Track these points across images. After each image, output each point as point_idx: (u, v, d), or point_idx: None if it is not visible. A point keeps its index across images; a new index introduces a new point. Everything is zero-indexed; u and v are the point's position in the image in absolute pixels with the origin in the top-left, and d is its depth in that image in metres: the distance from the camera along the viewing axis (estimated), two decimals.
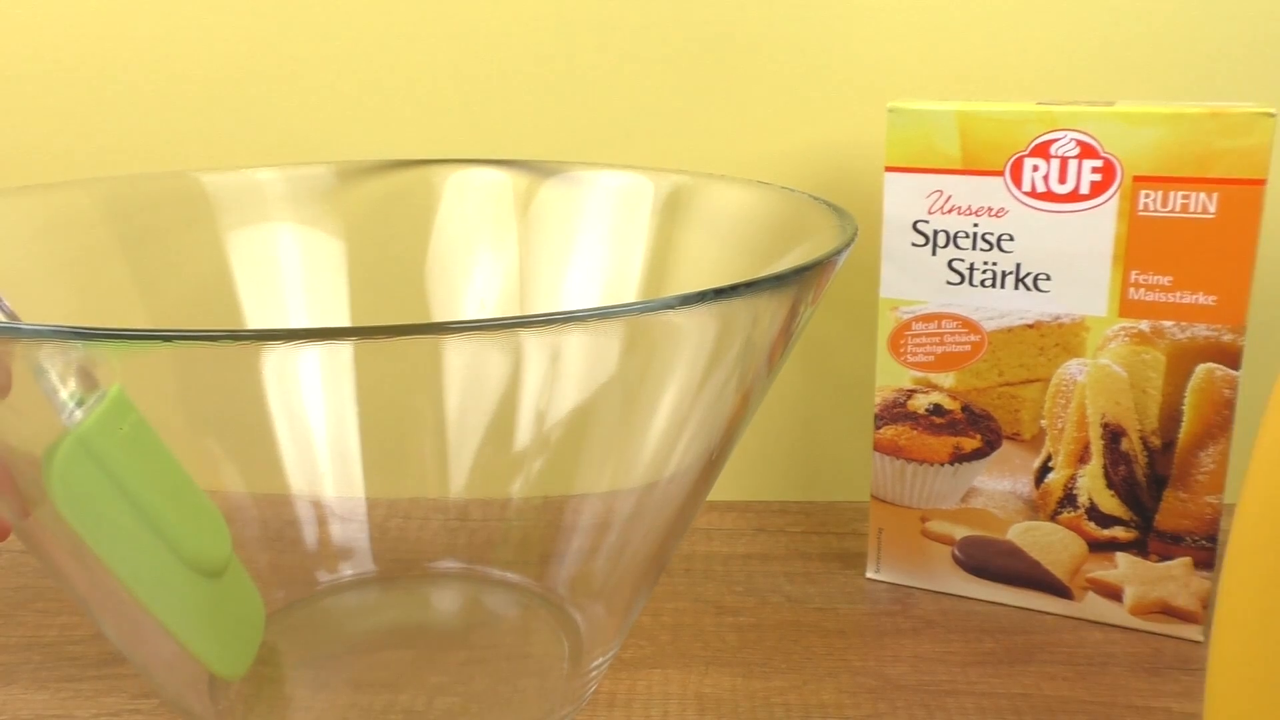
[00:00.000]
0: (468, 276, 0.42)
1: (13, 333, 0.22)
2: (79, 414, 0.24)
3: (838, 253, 0.28)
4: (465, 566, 0.38)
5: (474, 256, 0.42)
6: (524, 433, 0.32)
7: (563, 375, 0.26)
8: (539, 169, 0.42)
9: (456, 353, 0.24)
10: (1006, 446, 0.39)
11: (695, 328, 0.25)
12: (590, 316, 0.22)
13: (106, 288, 0.38)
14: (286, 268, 0.41)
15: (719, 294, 0.24)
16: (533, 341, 0.24)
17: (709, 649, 0.38)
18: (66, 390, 0.24)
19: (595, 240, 0.41)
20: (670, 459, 0.29)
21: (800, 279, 0.26)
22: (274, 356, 0.22)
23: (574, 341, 0.24)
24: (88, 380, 0.24)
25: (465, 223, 0.42)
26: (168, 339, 0.21)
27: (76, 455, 0.24)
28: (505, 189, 0.42)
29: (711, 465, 0.31)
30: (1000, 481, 0.40)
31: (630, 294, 0.40)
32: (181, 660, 0.30)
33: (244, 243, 0.40)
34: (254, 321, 0.40)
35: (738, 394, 0.29)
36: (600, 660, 0.33)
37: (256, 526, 0.34)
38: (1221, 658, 0.22)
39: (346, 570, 0.38)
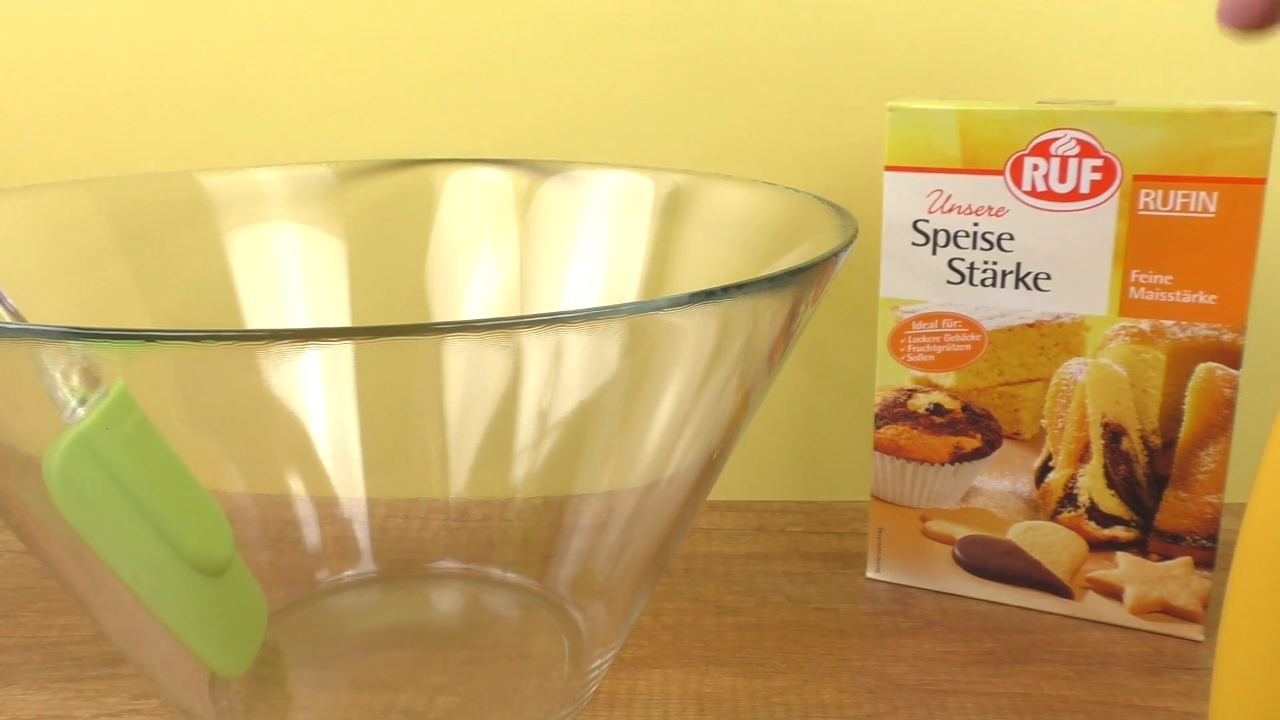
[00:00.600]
0: (468, 276, 0.42)
1: (16, 333, 0.22)
2: (81, 412, 0.24)
3: (837, 253, 0.28)
4: (465, 567, 0.38)
5: (474, 256, 0.42)
6: (524, 433, 0.31)
7: (563, 375, 0.26)
8: (539, 169, 0.42)
9: (456, 353, 0.24)
10: (1007, 446, 0.39)
11: (695, 328, 0.25)
12: (590, 316, 0.22)
13: (107, 288, 0.38)
14: (287, 268, 0.41)
15: (719, 294, 0.24)
16: (533, 341, 0.24)
17: (709, 649, 0.38)
18: (69, 388, 0.24)
19: (596, 240, 0.41)
20: (671, 459, 0.29)
21: (800, 279, 0.26)
22: (274, 357, 0.22)
23: (574, 341, 0.24)
24: (90, 379, 0.24)
25: (466, 223, 0.42)
26: (168, 339, 0.21)
27: (78, 453, 0.24)
28: (505, 189, 0.42)
29: (712, 465, 0.31)
30: (1000, 481, 0.40)
31: (631, 294, 0.40)
32: (182, 659, 0.30)
33: (244, 243, 0.40)
34: (254, 321, 0.40)
35: (738, 394, 0.29)
36: (601, 661, 0.33)
37: (257, 526, 0.34)
38: (1228, 659, 0.22)
39: (346, 570, 0.38)
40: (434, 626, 0.37)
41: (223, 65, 0.47)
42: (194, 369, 0.23)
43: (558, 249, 0.41)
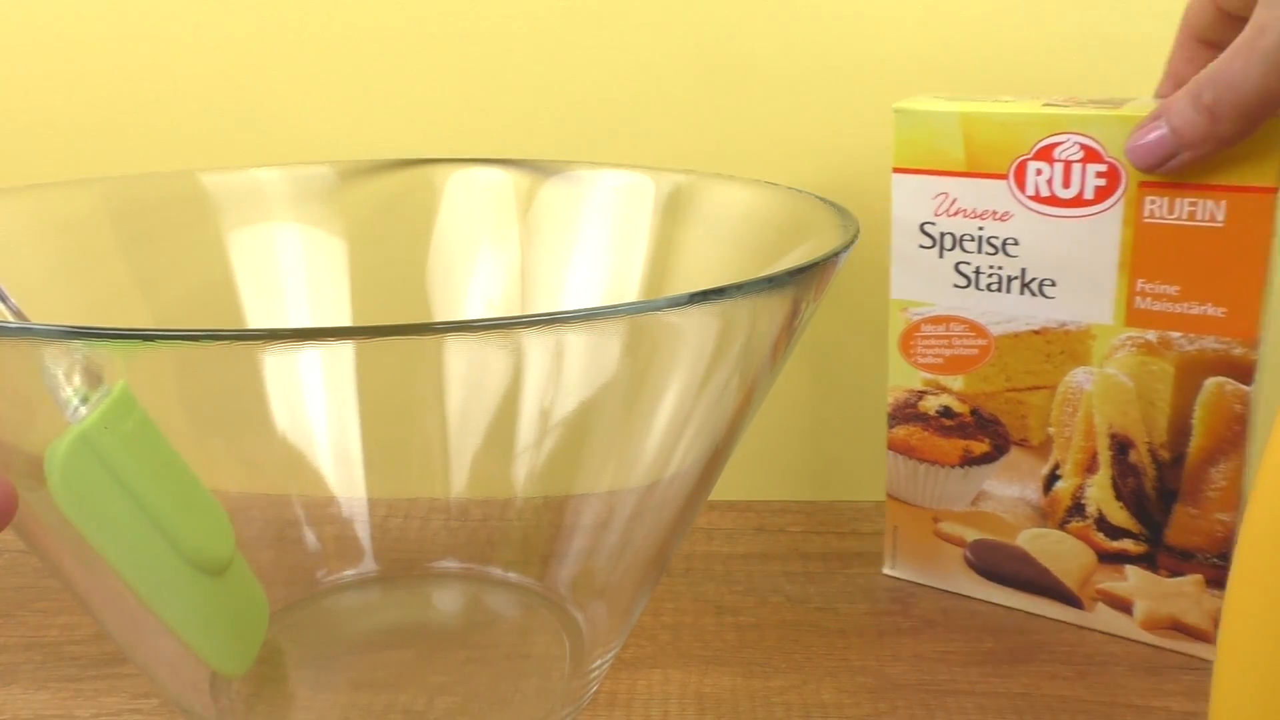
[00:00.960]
0: (469, 276, 0.42)
1: (18, 332, 0.22)
2: (83, 411, 0.24)
3: (837, 253, 0.28)
4: (466, 566, 0.38)
5: (475, 256, 0.42)
6: (525, 432, 0.32)
7: (563, 375, 0.26)
8: (540, 168, 0.42)
9: (457, 353, 0.24)
10: (1015, 452, 0.39)
11: (695, 327, 0.25)
12: (590, 316, 0.22)
13: (108, 287, 0.38)
14: (288, 268, 0.41)
15: (719, 294, 0.24)
16: (533, 341, 0.24)
17: (709, 649, 0.38)
18: (71, 387, 0.24)
19: (597, 240, 0.41)
20: (671, 459, 0.29)
21: (799, 279, 0.26)
22: (275, 356, 0.22)
23: (574, 341, 0.24)
24: (92, 378, 0.24)
25: (466, 222, 0.42)
26: (169, 339, 0.21)
27: (79, 452, 0.24)
28: (506, 188, 0.42)
29: (713, 465, 0.31)
30: (1009, 486, 0.39)
31: (632, 294, 0.40)
32: (183, 658, 0.30)
33: (245, 243, 0.40)
34: (255, 321, 0.40)
35: (739, 393, 0.29)
36: (601, 660, 0.33)
37: (258, 526, 0.34)
38: (1228, 658, 0.22)
39: (347, 570, 0.38)
40: (434, 626, 0.37)
41: (223, 65, 0.47)
42: (195, 368, 0.23)
43: (558, 249, 0.41)
